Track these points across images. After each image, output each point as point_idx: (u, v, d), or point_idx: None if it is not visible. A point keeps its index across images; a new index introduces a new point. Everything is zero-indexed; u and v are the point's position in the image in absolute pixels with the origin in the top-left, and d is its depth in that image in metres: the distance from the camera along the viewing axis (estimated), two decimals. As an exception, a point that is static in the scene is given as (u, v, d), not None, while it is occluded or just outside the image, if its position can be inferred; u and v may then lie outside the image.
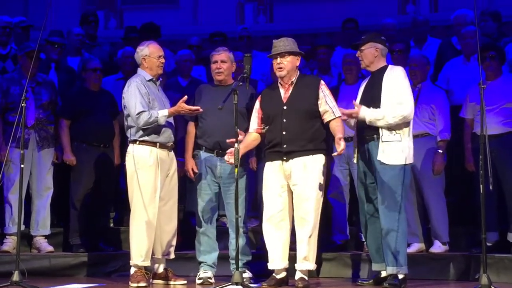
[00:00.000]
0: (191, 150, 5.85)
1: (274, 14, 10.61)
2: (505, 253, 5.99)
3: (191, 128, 5.88)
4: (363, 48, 5.48)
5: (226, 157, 5.38)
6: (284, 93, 5.50)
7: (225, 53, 5.84)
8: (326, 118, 5.43)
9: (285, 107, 5.44)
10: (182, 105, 5.52)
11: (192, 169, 5.79)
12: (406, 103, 5.30)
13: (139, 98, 5.52)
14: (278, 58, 5.43)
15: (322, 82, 5.53)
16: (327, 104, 5.42)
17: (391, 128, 5.26)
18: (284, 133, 5.40)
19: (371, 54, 5.46)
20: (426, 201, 6.26)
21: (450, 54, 7.31)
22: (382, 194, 5.31)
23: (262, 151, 5.77)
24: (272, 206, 5.43)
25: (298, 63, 5.52)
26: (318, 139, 5.42)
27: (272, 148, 5.46)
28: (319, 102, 5.42)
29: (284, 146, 5.38)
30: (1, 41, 7.40)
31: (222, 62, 5.81)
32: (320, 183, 5.38)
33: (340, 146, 5.16)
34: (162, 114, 5.54)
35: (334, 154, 5.21)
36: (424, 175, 6.21)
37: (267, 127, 5.48)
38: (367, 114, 5.30)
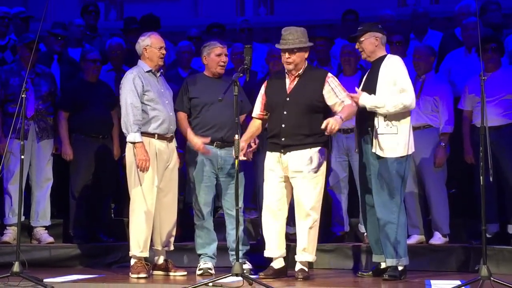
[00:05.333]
0: (191, 131, 5.69)
1: (274, 6, 10.57)
2: (505, 244, 6.01)
3: (183, 115, 5.75)
4: (362, 39, 5.40)
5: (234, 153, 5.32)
6: (289, 84, 5.46)
7: (225, 47, 5.85)
8: (338, 109, 5.32)
9: (288, 99, 5.40)
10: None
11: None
12: (407, 92, 5.24)
13: (131, 97, 5.49)
14: (287, 53, 5.39)
15: (329, 74, 5.45)
16: (336, 97, 5.35)
17: (389, 119, 5.22)
18: (283, 125, 5.37)
19: (371, 44, 5.39)
20: (427, 193, 6.26)
21: (453, 46, 7.24)
22: (376, 186, 5.28)
23: (262, 141, 5.77)
24: (271, 195, 5.43)
25: (306, 56, 5.46)
26: (317, 133, 5.33)
27: (271, 138, 5.46)
28: (325, 97, 5.36)
29: (282, 139, 5.36)
30: (-1, 32, 7.40)
31: (225, 55, 5.83)
32: (319, 175, 5.35)
33: (329, 122, 5.06)
34: (136, 137, 5.47)
35: (326, 131, 5.10)
36: (426, 167, 6.21)
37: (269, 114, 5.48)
38: (368, 101, 5.24)
